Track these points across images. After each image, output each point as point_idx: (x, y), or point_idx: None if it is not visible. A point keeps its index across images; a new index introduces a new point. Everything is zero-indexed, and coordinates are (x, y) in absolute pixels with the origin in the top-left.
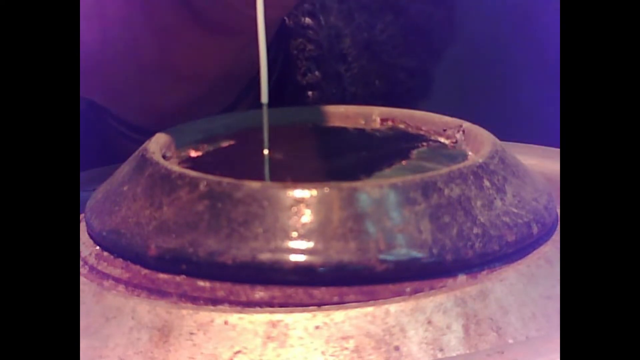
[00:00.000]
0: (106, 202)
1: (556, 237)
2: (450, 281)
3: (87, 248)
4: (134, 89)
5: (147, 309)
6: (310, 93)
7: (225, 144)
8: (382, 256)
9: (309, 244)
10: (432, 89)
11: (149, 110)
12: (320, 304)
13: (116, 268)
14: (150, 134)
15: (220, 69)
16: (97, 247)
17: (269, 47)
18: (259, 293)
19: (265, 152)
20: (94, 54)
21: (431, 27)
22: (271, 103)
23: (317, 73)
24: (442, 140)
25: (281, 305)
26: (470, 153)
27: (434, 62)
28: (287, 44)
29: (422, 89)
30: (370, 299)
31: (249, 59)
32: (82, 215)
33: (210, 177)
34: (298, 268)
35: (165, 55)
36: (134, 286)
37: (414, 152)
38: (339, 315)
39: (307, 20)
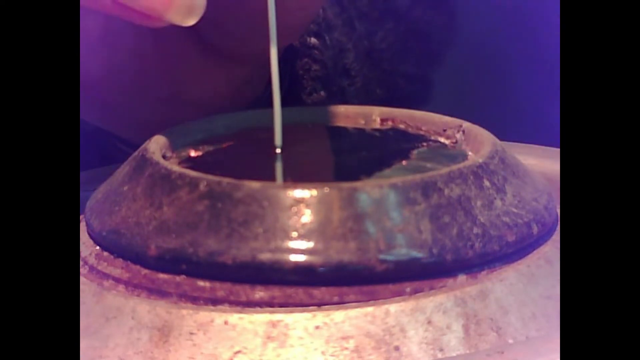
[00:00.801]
0: (106, 202)
1: (556, 237)
2: (450, 281)
3: (87, 248)
4: (140, 116)
5: (147, 309)
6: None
7: (225, 144)
8: (382, 256)
9: (309, 244)
10: (432, 94)
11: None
12: (320, 304)
13: (116, 268)
14: None
15: (231, 94)
16: (97, 247)
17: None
18: (259, 293)
19: (268, 151)
20: (102, 82)
21: (431, 33)
22: None
23: (322, 92)
24: (442, 140)
25: (281, 305)
26: (470, 153)
27: (434, 68)
28: (293, 63)
29: (422, 95)
30: (370, 299)
31: (259, 83)
32: (82, 215)
33: (210, 177)
34: (298, 268)
35: (173, 83)
36: (134, 286)
37: (414, 152)
38: (339, 315)
39: (313, 40)
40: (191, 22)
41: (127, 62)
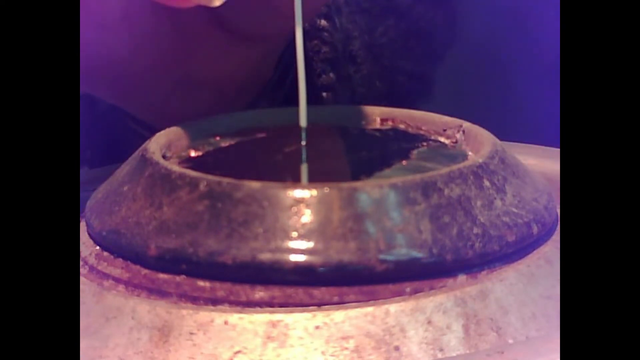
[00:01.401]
0: (106, 202)
1: (556, 237)
2: (450, 281)
3: (87, 248)
4: (156, 96)
5: (147, 309)
6: (324, 94)
7: (225, 144)
8: (382, 256)
9: (309, 244)
10: (432, 92)
11: (171, 114)
12: (320, 304)
13: (116, 268)
14: None
15: (244, 75)
16: (97, 247)
17: (286, 49)
18: (259, 293)
19: (268, 151)
20: (120, 63)
21: (432, 31)
22: (288, 103)
23: (331, 75)
24: (442, 140)
25: (281, 305)
26: (470, 153)
27: (434, 65)
28: (303, 45)
29: (422, 92)
30: (370, 299)
31: (270, 65)
32: (82, 215)
33: (210, 177)
34: (298, 268)
35: (189, 64)
36: (134, 286)
37: (414, 152)
38: (339, 315)
39: (323, 22)
40: (218, 2)
41: (145, 42)
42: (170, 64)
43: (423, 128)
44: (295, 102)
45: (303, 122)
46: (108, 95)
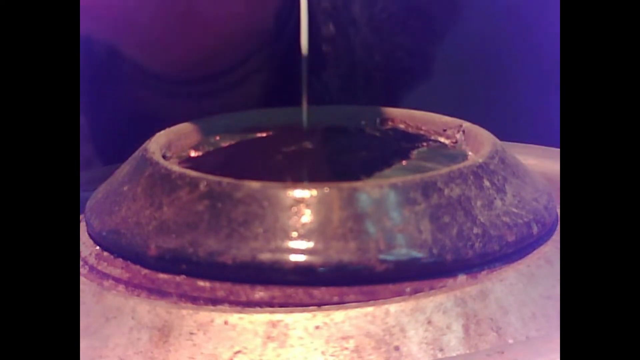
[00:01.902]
0: (106, 202)
1: (556, 237)
2: (450, 281)
3: (87, 248)
4: (160, 38)
5: (147, 309)
6: (324, 47)
7: (225, 144)
8: (382, 256)
9: (309, 244)
10: (431, 70)
11: (172, 59)
12: (320, 304)
13: (116, 268)
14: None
15: (242, 16)
16: (97, 247)
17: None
18: (259, 293)
19: (268, 151)
20: (126, 4)
21: (432, 8)
22: (289, 53)
23: (331, 27)
24: (442, 140)
25: (281, 305)
26: (470, 153)
27: (434, 43)
28: None
29: (421, 69)
30: (370, 299)
31: (271, 11)
32: (82, 216)
33: (210, 177)
34: (298, 268)
35: (194, 4)
36: (134, 286)
37: (414, 152)
38: (339, 315)
39: None
40: None
41: None
42: (174, 7)
43: (423, 128)
44: (294, 54)
45: (305, 49)
46: (109, 36)
